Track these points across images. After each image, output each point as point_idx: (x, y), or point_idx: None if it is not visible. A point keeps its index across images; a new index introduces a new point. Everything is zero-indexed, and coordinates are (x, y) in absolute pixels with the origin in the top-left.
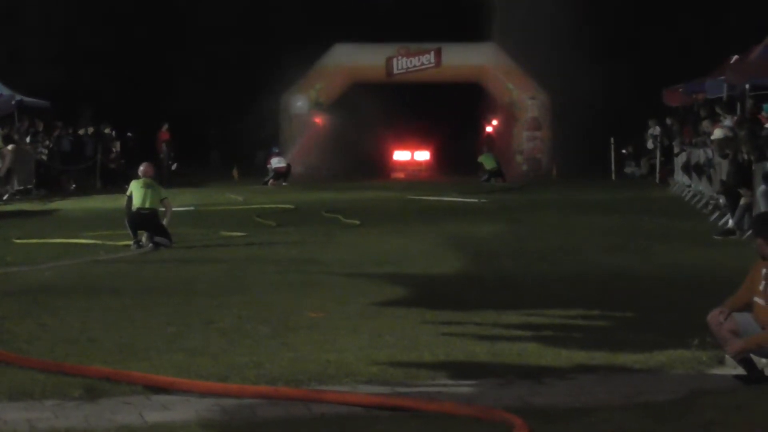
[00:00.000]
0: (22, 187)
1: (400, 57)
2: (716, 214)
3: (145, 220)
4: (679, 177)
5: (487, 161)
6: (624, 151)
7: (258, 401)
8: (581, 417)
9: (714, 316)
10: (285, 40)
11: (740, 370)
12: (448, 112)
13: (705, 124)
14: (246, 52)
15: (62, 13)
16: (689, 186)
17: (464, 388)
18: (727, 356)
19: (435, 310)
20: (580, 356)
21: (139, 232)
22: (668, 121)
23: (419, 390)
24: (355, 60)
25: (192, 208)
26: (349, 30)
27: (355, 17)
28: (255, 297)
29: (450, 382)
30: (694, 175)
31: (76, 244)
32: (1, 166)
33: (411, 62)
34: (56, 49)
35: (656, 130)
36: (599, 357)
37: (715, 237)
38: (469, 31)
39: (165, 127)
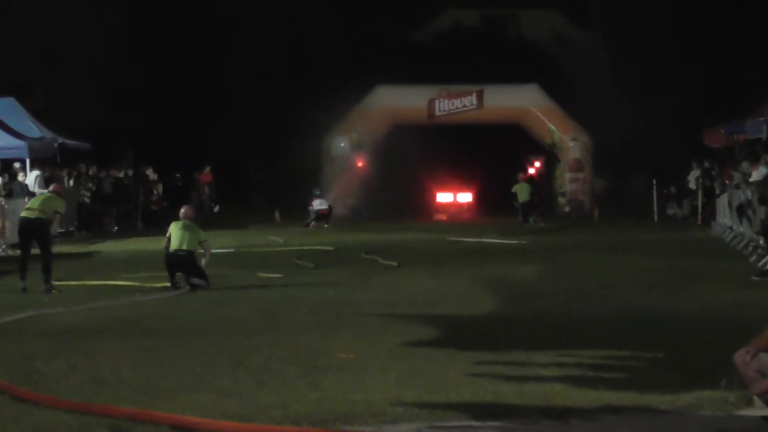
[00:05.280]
0: (63, 230)
1: (442, 99)
2: (755, 255)
3: (182, 262)
4: (721, 218)
5: (521, 192)
6: (666, 191)
7: None
8: None
9: (741, 356)
10: (326, 82)
11: None
12: (490, 154)
13: (744, 166)
14: (287, 94)
15: (103, 55)
16: (731, 227)
17: (489, 429)
18: (755, 397)
19: (465, 350)
20: (607, 396)
21: (177, 273)
22: (707, 163)
23: (444, 430)
24: (396, 102)
25: (232, 249)
26: (390, 72)
27: (397, 59)
28: (286, 337)
29: (476, 423)
30: (735, 215)
31: (113, 285)
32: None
33: (453, 104)
34: (97, 91)
35: (698, 171)
36: (627, 397)
37: (753, 278)
38: (511, 73)
39: (207, 169)
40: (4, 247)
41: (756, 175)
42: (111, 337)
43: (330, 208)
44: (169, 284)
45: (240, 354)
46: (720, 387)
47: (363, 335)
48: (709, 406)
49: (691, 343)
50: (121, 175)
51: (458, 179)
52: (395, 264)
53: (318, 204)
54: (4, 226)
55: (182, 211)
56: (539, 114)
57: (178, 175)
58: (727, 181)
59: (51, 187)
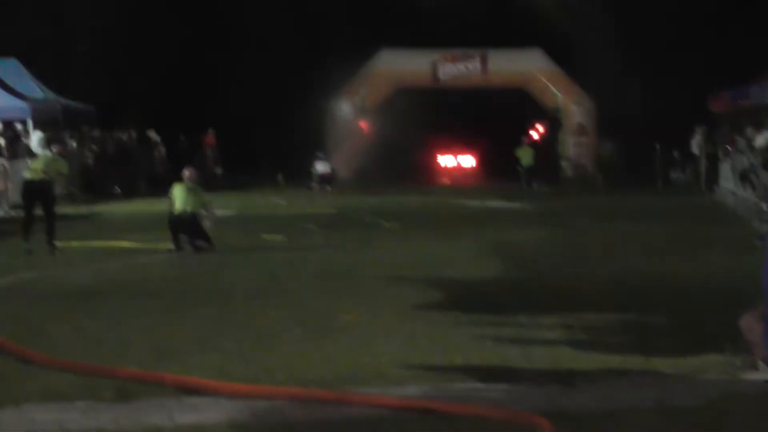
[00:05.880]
0: (66, 191)
1: (445, 63)
2: (759, 221)
3: (185, 224)
4: (724, 183)
5: (524, 156)
6: (670, 156)
7: (288, 403)
8: (612, 421)
9: (746, 320)
10: (331, 46)
11: None
12: (494, 118)
13: (748, 131)
14: (292, 57)
15: (107, 18)
16: (734, 192)
17: (496, 391)
18: (760, 361)
19: (470, 313)
20: (613, 360)
21: (180, 235)
22: (710, 128)
23: (450, 393)
24: (400, 65)
25: (236, 212)
26: (394, 35)
27: (401, 23)
28: (291, 300)
29: (482, 385)
30: (738, 180)
31: (116, 247)
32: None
33: (457, 68)
34: (102, 53)
35: (701, 136)
36: (632, 361)
37: (757, 243)
38: (515, 37)
39: (211, 131)
40: (6, 208)
41: (760, 141)
42: (116, 298)
43: (333, 170)
44: (172, 246)
45: (245, 316)
46: (725, 351)
47: (368, 298)
48: (715, 370)
49: (696, 307)
50: (125, 137)
51: (462, 143)
52: (398, 227)
53: (321, 167)
54: (6, 187)
55: (186, 173)
56: (543, 78)
57: (182, 137)
58: (729, 147)
59: (54, 149)
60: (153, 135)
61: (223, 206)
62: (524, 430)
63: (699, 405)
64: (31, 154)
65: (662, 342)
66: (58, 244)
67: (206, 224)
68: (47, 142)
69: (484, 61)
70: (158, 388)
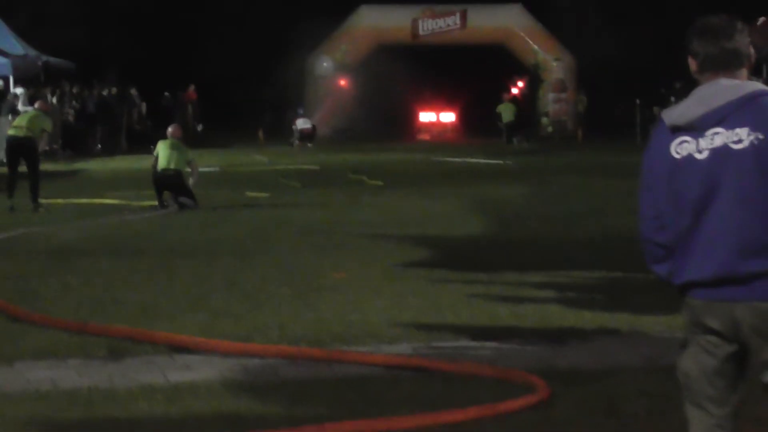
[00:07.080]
0: (48, 148)
1: (425, 19)
2: None
3: (170, 181)
4: None
5: (505, 112)
6: (650, 113)
7: (281, 361)
8: (603, 379)
9: None
10: (311, 2)
11: None
12: (474, 74)
13: None
14: (272, 13)
15: None
16: None
17: (487, 349)
18: None
19: (458, 271)
20: (602, 318)
21: (165, 192)
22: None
23: (442, 351)
24: (380, 22)
25: (217, 169)
26: None
27: None
28: (278, 258)
29: (473, 343)
30: None
31: (101, 204)
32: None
33: (437, 24)
34: (81, 9)
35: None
36: (622, 319)
37: None
38: None
39: (192, 87)
40: None
41: None
42: (103, 256)
43: (314, 127)
44: (157, 203)
45: (233, 275)
46: None
47: (355, 256)
48: None
49: None
50: (105, 93)
51: (442, 99)
52: (381, 184)
53: (302, 123)
54: None
55: (170, 130)
56: (523, 34)
57: (166, 94)
58: None
59: (36, 105)
60: (134, 92)
61: (206, 163)
62: (518, 389)
63: None
64: (15, 112)
65: (651, 300)
66: (43, 201)
67: (190, 181)
68: (29, 99)
69: (463, 16)
70: (149, 346)
